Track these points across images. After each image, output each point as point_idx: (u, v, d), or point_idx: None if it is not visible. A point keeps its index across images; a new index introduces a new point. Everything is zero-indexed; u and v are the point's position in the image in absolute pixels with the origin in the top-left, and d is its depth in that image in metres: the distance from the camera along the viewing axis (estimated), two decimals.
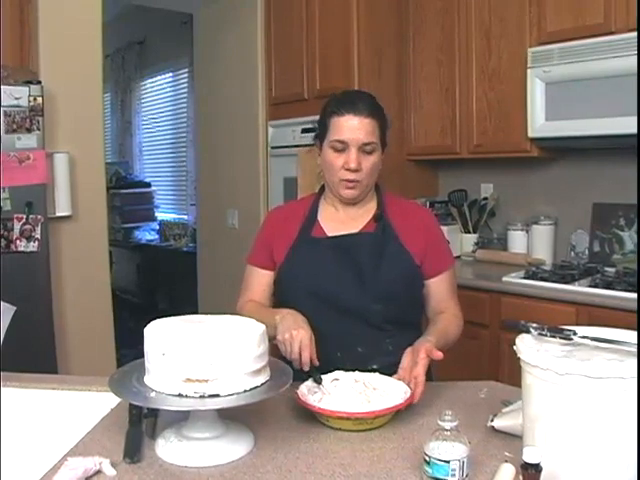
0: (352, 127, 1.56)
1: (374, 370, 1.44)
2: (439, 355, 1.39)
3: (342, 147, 1.57)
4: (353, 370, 1.42)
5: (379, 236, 1.63)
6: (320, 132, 1.64)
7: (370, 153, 1.58)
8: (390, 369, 1.43)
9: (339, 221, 1.67)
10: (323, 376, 1.37)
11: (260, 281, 1.71)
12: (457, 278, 1.81)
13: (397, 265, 1.60)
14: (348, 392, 1.33)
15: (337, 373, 1.42)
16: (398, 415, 1.30)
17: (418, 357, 1.37)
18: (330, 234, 1.65)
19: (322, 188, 1.75)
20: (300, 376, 1.36)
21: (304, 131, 3.38)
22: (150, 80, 6.16)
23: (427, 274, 1.66)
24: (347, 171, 1.58)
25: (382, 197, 1.70)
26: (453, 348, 1.65)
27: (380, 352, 1.56)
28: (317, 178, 1.80)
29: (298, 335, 1.41)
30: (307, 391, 1.34)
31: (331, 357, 1.51)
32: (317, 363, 1.41)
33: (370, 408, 1.27)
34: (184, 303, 4.59)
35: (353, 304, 1.57)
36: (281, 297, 1.66)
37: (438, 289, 1.68)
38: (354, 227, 1.66)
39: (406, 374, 1.38)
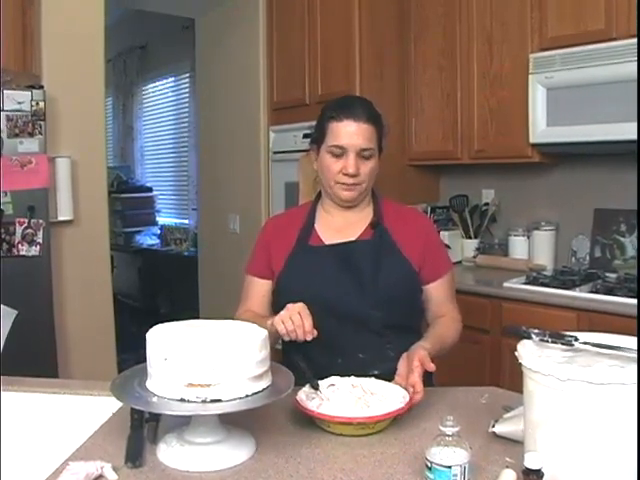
0: (350, 133, 1.56)
1: (375, 376, 1.44)
2: (432, 367, 1.38)
3: (340, 152, 1.58)
4: (356, 376, 1.42)
5: (376, 243, 1.63)
6: (317, 137, 1.64)
7: (368, 158, 1.59)
8: (391, 375, 1.43)
9: (336, 229, 1.67)
10: (319, 382, 1.37)
11: (259, 290, 1.70)
12: (458, 283, 1.81)
13: (395, 271, 1.61)
14: (347, 397, 1.33)
15: (333, 378, 1.41)
16: (399, 420, 1.30)
17: (413, 365, 1.37)
18: (327, 242, 1.66)
19: (318, 195, 1.75)
20: (301, 381, 1.35)
21: (305, 136, 3.38)
22: (152, 84, 6.17)
23: (426, 279, 1.66)
24: (345, 176, 1.58)
25: (379, 203, 1.70)
26: (454, 353, 1.65)
27: (381, 358, 1.55)
28: (313, 184, 1.79)
29: (295, 307, 1.42)
30: (305, 397, 1.33)
31: (332, 364, 1.52)
32: (315, 333, 1.41)
33: (370, 413, 1.26)
34: (185, 307, 4.58)
35: (353, 311, 1.57)
36: (279, 307, 1.61)
37: (437, 294, 1.68)
38: (351, 234, 1.66)
39: (402, 381, 1.39)
